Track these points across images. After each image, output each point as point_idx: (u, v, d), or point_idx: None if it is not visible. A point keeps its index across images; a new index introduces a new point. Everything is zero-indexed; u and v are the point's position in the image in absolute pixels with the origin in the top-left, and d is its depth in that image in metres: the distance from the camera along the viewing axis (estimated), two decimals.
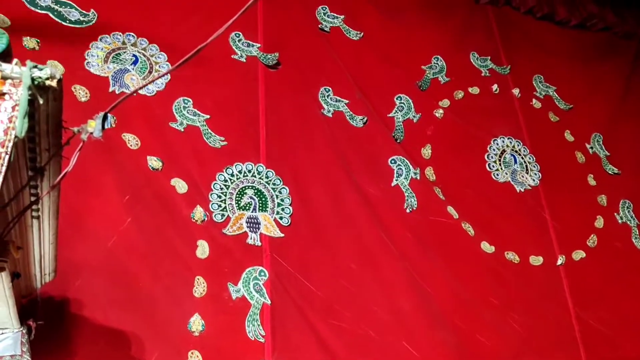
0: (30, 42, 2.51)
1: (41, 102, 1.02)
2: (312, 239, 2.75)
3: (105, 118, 1.09)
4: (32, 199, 1.27)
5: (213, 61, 2.94)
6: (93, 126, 1.08)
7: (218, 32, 1.21)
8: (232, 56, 3.04)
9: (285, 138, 2.98)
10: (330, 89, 3.23)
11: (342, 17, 3.51)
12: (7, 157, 0.97)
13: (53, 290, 2.04)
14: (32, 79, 1.00)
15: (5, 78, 0.99)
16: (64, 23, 2.66)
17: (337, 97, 3.22)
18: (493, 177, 3.33)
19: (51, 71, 1.01)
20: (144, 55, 2.76)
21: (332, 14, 3.51)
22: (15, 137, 0.98)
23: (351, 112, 3.19)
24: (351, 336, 2.60)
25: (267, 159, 2.84)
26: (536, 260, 3.15)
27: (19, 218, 1.22)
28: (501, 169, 3.37)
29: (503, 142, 3.45)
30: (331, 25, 3.46)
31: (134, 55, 2.74)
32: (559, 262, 3.18)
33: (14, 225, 1.23)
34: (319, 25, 3.44)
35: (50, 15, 2.65)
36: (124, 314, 2.23)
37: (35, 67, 1.00)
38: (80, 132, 1.09)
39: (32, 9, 2.63)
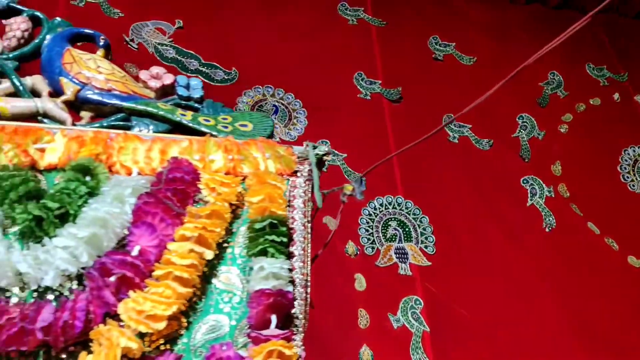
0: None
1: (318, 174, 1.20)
2: (457, 264, 2.83)
3: (361, 181, 1.25)
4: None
5: (343, 102, 3.13)
6: (350, 189, 1.24)
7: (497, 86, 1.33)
8: (358, 95, 3.21)
9: (417, 168, 3.08)
10: (452, 115, 3.31)
11: (453, 44, 3.62)
12: (310, 225, 1.13)
13: None
14: (316, 156, 1.18)
15: (299, 157, 1.18)
16: (212, 83, 2.93)
17: (460, 122, 3.30)
18: (629, 188, 3.27)
19: (327, 149, 1.18)
20: (282, 104, 2.97)
21: (443, 42, 3.63)
22: (317, 208, 1.15)
23: (476, 137, 3.26)
24: (509, 359, 2.63)
25: (404, 190, 2.96)
26: None
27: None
28: (636, 179, 3.30)
29: (634, 151, 3.39)
30: (444, 53, 3.58)
31: (274, 105, 2.96)
32: None
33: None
34: (433, 55, 3.56)
35: (177, 67, 2.93)
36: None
37: (315, 147, 1.18)
38: (340, 193, 1.26)
39: (160, 60, 2.93)
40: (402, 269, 2.71)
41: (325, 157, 1.70)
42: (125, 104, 1.79)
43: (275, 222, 1.46)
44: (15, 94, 1.73)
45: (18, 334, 1.16)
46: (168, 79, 1.91)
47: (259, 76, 3.04)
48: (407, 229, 2.84)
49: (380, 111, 3.21)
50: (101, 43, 1.91)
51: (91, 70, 1.81)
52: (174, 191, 1.44)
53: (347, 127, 3.07)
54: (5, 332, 1.14)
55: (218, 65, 3.00)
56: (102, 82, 1.80)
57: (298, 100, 3.05)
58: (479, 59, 3.57)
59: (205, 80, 2.91)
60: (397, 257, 2.74)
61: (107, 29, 2.65)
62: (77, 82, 1.77)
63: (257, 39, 3.22)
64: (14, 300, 1.27)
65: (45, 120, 1.70)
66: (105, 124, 1.76)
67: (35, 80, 1.76)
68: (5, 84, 1.72)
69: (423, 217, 2.90)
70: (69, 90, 1.75)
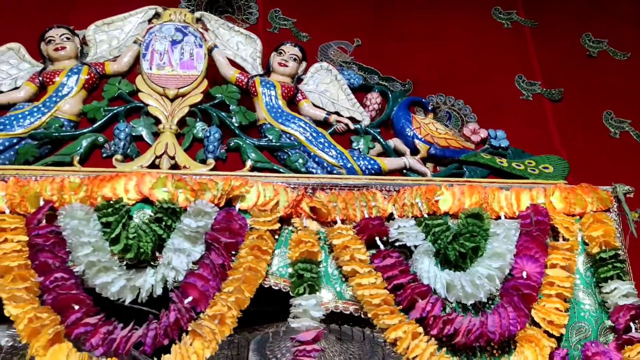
0: None
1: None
2: None
3: None
4: None
5: (507, 105, 3.24)
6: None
7: None
8: (520, 97, 3.29)
9: (586, 168, 3.30)
10: (612, 112, 3.52)
11: (606, 40, 3.77)
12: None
13: None
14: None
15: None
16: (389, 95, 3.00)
17: (619, 118, 3.51)
18: None
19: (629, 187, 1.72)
20: (454, 111, 3.03)
21: (596, 39, 3.79)
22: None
23: (637, 131, 3.46)
24: None
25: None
26: None
27: None
28: None
29: None
30: (598, 50, 3.76)
31: (447, 112, 2.98)
32: None
33: None
34: (587, 53, 3.75)
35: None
36: None
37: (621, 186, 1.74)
38: None
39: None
40: None
41: (627, 194, 2.18)
42: (460, 157, 2.36)
43: (616, 252, 1.96)
44: (383, 154, 2.36)
45: (478, 335, 1.75)
46: (483, 133, 2.46)
47: (430, 85, 3.15)
48: None
49: (543, 112, 3.30)
50: (429, 108, 2.49)
51: (432, 132, 2.40)
52: (541, 230, 1.97)
53: (513, 129, 3.05)
54: (472, 334, 1.74)
55: (395, 78, 3.10)
56: (442, 140, 2.39)
57: (468, 106, 3.11)
58: (633, 54, 3.71)
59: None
60: None
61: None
62: (426, 142, 2.37)
63: (424, 50, 3.38)
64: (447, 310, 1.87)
65: (409, 173, 2.31)
66: (445, 173, 2.35)
67: (396, 143, 2.38)
68: (377, 146, 2.36)
69: None
70: (422, 149, 2.34)
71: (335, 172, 2.24)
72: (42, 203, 1.76)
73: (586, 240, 2.06)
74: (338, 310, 1.87)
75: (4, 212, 1.75)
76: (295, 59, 2.47)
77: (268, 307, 2.09)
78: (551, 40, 3.76)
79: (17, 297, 1.59)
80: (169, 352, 1.65)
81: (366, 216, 1.94)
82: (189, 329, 1.66)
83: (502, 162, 2.39)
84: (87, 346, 1.60)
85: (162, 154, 2.12)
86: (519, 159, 2.46)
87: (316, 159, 2.26)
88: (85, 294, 1.64)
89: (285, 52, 2.47)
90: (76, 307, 1.61)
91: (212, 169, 2.14)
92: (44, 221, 1.72)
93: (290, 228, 1.94)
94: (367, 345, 2.57)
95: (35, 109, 2.13)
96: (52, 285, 1.62)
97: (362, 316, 1.85)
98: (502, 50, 3.44)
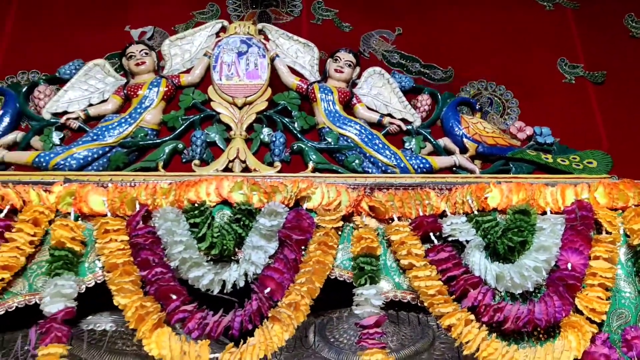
0: None
1: None
2: None
3: None
4: None
5: (549, 89, 3.21)
6: None
7: None
8: (562, 80, 3.26)
9: (631, 150, 3.31)
10: None
11: None
12: None
13: None
14: None
15: None
16: (433, 82, 3.05)
17: None
18: None
19: None
20: (496, 96, 3.05)
21: (638, 19, 3.75)
22: None
23: None
24: None
25: (616, 170, 2.89)
26: None
27: None
28: None
29: None
30: None
31: (488, 98, 3.00)
32: None
33: None
34: (629, 34, 3.71)
35: (402, 71, 3.04)
36: None
37: None
38: None
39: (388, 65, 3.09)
40: None
41: None
42: (507, 154, 2.52)
43: None
44: (434, 152, 2.54)
45: (526, 322, 1.94)
46: (529, 130, 2.60)
47: (471, 72, 3.17)
48: None
49: (586, 95, 3.26)
50: (477, 107, 2.65)
51: (480, 131, 2.56)
52: (585, 224, 2.13)
53: (556, 112, 3.12)
54: (521, 321, 1.93)
55: (436, 65, 3.14)
56: (489, 138, 2.55)
57: (509, 91, 3.12)
58: None
59: (428, 80, 3.06)
60: None
61: (342, 42, 3.05)
62: (474, 141, 2.53)
63: (465, 36, 3.37)
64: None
65: (459, 170, 2.48)
66: (493, 170, 2.51)
67: (445, 142, 2.56)
68: (428, 146, 2.54)
69: None
70: (471, 148, 2.51)
71: (389, 171, 2.44)
72: (138, 206, 2.03)
73: (628, 233, 2.19)
74: (397, 299, 2.09)
75: (106, 215, 2.03)
76: (350, 65, 2.66)
77: (331, 294, 2.33)
78: (593, 21, 3.67)
79: (124, 289, 1.87)
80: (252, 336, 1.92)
81: (421, 214, 2.14)
82: (269, 315, 1.92)
83: (547, 158, 2.53)
84: (184, 330, 1.87)
85: (234, 159, 2.37)
86: (564, 155, 2.59)
87: (371, 159, 2.46)
88: (180, 286, 1.91)
89: (340, 59, 2.66)
90: (174, 297, 1.88)
91: (278, 171, 2.38)
92: (141, 223, 2.00)
93: (352, 225, 2.16)
94: (418, 327, 2.79)
95: (122, 120, 2.41)
96: (153, 279, 1.89)
97: (419, 304, 2.07)
98: (544, 33, 3.41)
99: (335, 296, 2.24)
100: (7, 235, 1.90)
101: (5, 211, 1.97)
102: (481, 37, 3.33)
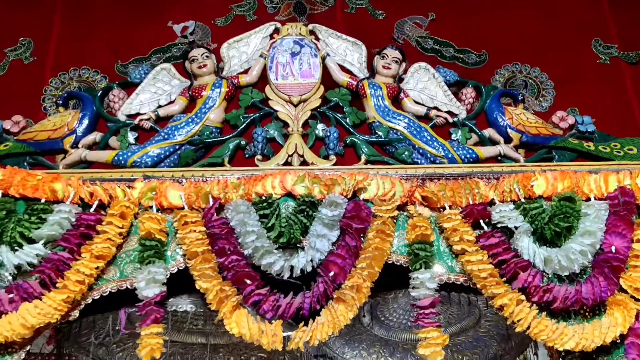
0: None
1: None
2: None
3: None
4: None
5: (584, 70, 3.21)
6: None
7: None
8: (597, 61, 3.25)
9: None
10: None
11: None
12: None
13: None
14: None
15: None
16: (467, 67, 3.10)
17: None
18: None
19: None
20: (530, 79, 3.09)
21: None
22: None
23: None
24: None
25: None
26: None
27: None
28: None
29: None
30: None
31: (523, 81, 3.06)
32: None
33: None
34: None
35: (436, 56, 3.12)
36: None
37: None
38: None
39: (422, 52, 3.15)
40: None
41: None
42: (550, 143, 2.64)
43: None
44: (479, 143, 2.67)
45: (574, 301, 2.09)
46: (571, 120, 2.72)
47: (505, 55, 3.19)
48: None
49: (621, 74, 3.25)
50: (520, 98, 2.77)
51: (524, 122, 2.68)
52: (628, 210, 2.25)
53: (592, 93, 3.13)
54: (569, 300, 2.08)
55: (470, 49, 3.16)
56: (532, 128, 2.67)
57: (544, 73, 3.13)
58: None
59: (462, 65, 3.08)
60: None
61: (376, 29, 3.17)
62: (517, 131, 2.66)
63: (498, 20, 3.36)
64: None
65: (503, 159, 2.62)
66: (536, 158, 2.64)
67: (490, 132, 2.69)
68: (474, 137, 2.68)
69: None
70: (515, 137, 2.65)
71: (437, 161, 2.59)
72: (211, 200, 2.23)
73: None
74: (450, 282, 2.26)
75: (183, 208, 2.23)
76: (396, 61, 2.81)
77: (384, 278, 2.52)
78: (627, 1, 3.55)
79: (205, 275, 2.08)
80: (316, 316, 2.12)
81: (471, 202, 2.29)
82: (334, 296, 2.11)
83: (589, 146, 2.65)
84: (260, 312, 2.08)
85: (293, 153, 2.55)
86: (605, 142, 2.70)
87: (420, 151, 2.62)
88: (254, 272, 2.11)
89: (387, 56, 2.81)
90: (249, 282, 2.08)
91: (334, 164, 2.55)
92: (215, 215, 2.20)
93: (406, 214, 2.32)
94: (466, 307, 2.96)
95: (189, 120, 2.61)
96: (230, 265, 2.10)
97: (471, 286, 2.23)
98: (578, 14, 3.39)
99: (385, 279, 2.41)
100: (99, 227, 2.13)
101: (94, 206, 2.19)
102: (514, 19, 3.33)
